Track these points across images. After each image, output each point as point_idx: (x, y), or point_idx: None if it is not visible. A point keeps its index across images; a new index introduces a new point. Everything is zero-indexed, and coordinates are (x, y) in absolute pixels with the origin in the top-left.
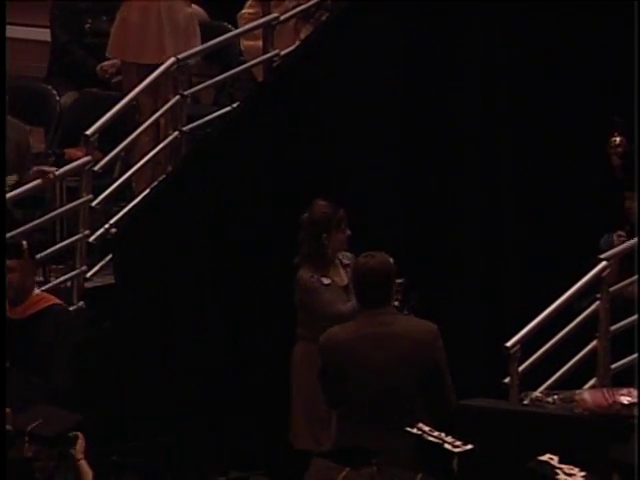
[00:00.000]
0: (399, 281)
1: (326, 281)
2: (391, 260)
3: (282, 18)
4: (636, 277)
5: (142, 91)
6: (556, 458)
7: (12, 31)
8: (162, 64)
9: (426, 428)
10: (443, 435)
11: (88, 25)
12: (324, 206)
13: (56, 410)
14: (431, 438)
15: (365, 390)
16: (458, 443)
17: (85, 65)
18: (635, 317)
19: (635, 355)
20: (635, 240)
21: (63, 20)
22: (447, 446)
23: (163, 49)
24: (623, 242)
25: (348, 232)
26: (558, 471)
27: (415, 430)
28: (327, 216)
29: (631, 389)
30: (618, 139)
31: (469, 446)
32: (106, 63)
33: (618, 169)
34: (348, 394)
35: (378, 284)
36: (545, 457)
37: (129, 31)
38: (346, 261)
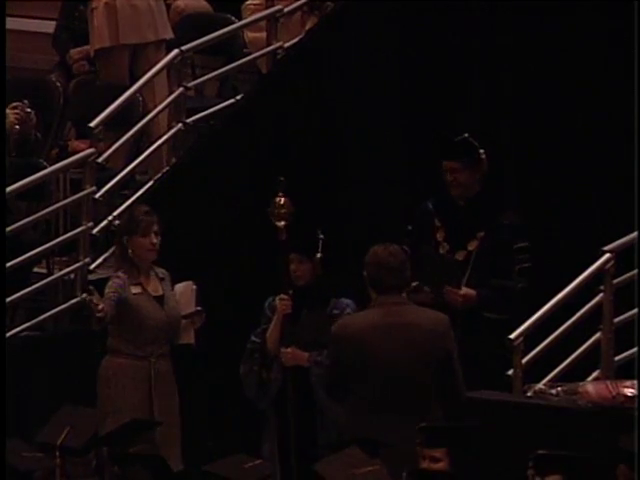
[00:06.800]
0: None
1: (135, 290)
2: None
3: (286, 10)
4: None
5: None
6: None
7: (19, 24)
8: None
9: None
10: None
11: (77, 13)
12: (135, 209)
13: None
14: None
15: (377, 380)
16: None
17: (66, 51)
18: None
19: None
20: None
21: (62, 7)
22: None
23: (166, 24)
24: (287, 306)
25: (154, 239)
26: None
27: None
28: (131, 218)
29: (635, 381)
30: (282, 200)
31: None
32: (74, 50)
33: (282, 231)
34: (360, 384)
35: (396, 270)
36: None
37: (135, 13)
38: (161, 275)
